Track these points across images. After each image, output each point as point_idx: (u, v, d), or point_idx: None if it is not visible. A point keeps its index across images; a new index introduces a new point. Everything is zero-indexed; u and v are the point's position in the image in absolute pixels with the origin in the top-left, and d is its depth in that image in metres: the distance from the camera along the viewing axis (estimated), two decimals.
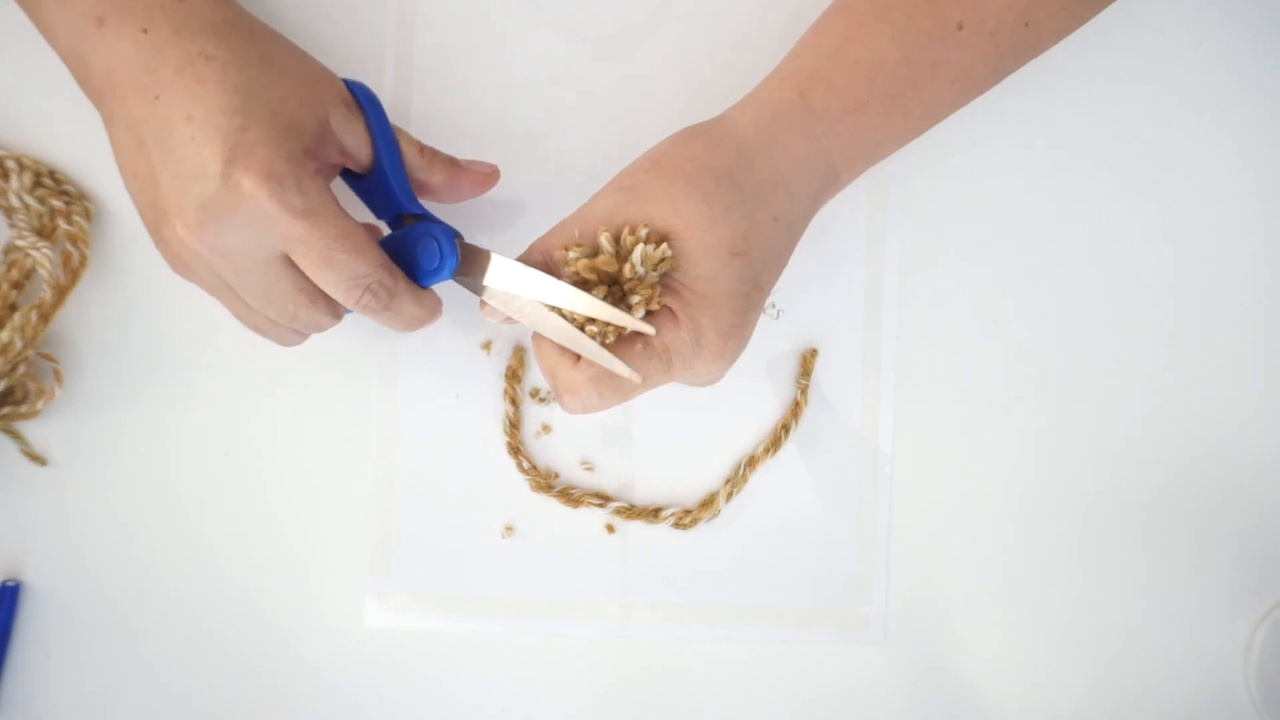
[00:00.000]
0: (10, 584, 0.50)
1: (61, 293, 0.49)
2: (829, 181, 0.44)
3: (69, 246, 0.49)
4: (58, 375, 0.50)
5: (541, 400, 0.51)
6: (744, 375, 0.50)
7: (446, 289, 0.45)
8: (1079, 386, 0.51)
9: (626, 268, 0.40)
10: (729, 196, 0.41)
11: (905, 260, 0.51)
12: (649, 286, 0.40)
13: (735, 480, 0.50)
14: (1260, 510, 0.51)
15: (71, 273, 0.49)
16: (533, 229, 0.50)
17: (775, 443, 0.50)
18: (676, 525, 0.50)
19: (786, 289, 0.50)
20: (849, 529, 0.51)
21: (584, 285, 0.41)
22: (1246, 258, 0.51)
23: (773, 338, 0.51)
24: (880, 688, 0.51)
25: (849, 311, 0.51)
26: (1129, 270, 0.51)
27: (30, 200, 0.49)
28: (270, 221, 0.39)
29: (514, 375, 0.50)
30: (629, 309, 0.40)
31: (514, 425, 0.50)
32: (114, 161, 0.41)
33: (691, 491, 0.51)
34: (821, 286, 0.51)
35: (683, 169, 0.41)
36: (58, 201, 0.49)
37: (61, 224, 0.49)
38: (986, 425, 0.51)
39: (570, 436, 0.51)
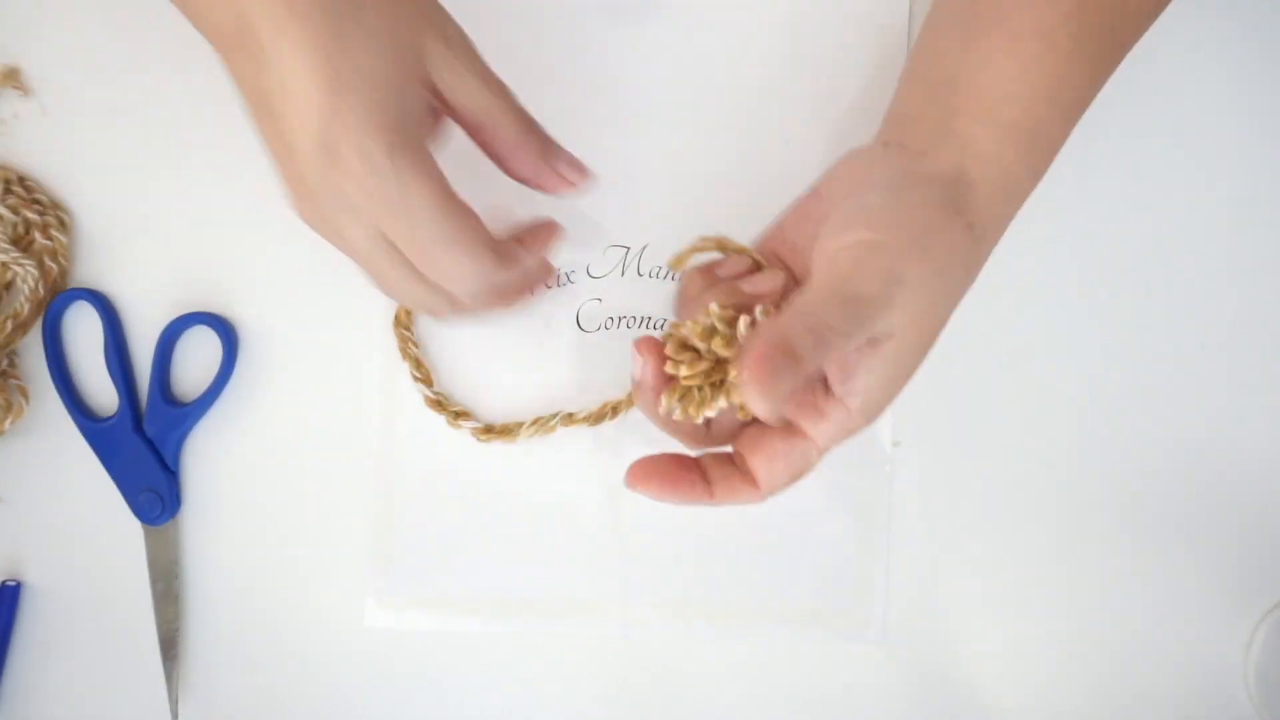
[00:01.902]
0: (10, 584, 0.50)
1: (39, 306, 0.49)
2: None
3: (49, 261, 0.49)
4: (23, 392, 0.49)
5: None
6: None
7: None
8: (1080, 387, 0.51)
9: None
10: (958, 292, 0.40)
11: None
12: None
13: (542, 424, 0.49)
14: (1260, 510, 0.51)
15: (50, 286, 0.49)
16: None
17: (602, 415, 0.49)
18: (474, 434, 0.49)
19: None
20: (849, 529, 0.51)
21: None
22: (1246, 258, 0.51)
23: None
24: (880, 688, 0.51)
25: None
26: (1129, 270, 0.51)
27: (2, 210, 0.48)
28: (366, 209, 0.37)
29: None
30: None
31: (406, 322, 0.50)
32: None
33: None
34: None
35: (942, 261, 0.39)
36: (31, 213, 0.49)
37: (38, 237, 0.49)
38: (987, 425, 0.51)
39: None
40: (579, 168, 0.42)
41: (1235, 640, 0.51)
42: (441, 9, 0.39)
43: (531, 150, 0.40)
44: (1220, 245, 0.51)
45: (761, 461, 0.39)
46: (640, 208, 0.50)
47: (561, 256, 0.50)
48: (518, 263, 0.41)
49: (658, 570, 0.51)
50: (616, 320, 0.50)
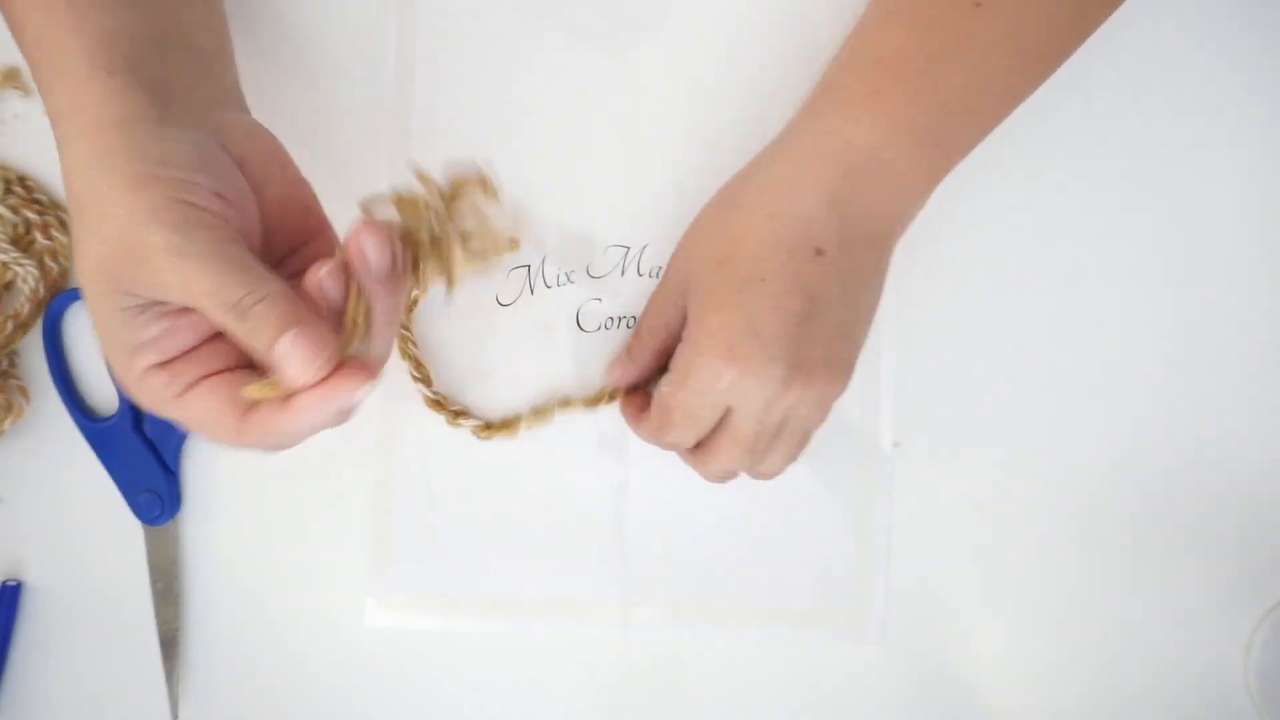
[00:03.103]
0: (10, 584, 0.50)
1: (40, 306, 0.49)
2: (865, 161, 0.42)
3: (49, 261, 0.49)
4: (23, 392, 0.49)
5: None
6: None
7: None
8: (1080, 386, 0.51)
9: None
10: (716, 217, 0.45)
11: (904, 258, 0.51)
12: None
13: (541, 413, 0.50)
14: (1260, 510, 0.51)
15: (50, 286, 0.49)
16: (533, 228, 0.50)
17: (599, 398, 0.50)
18: (474, 432, 0.50)
19: None
20: (849, 529, 0.51)
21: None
22: (1245, 258, 0.51)
23: None
24: (880, 688, 0.51)
25: None
26: (1129, 270, 0.51)
27: (2, 210, 0.48)
28: None
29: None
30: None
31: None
32: None
33: (686, 495, 0.51)
34: None
35: (693, 222, 0.46)
36: (31, 213, 0.49)
37: (39, 237, 0.49)
38: (986, 425, 0.51)
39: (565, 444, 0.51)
40: (303, 362, 0.35)
41: (1235, 640, 0.51)
42: (144, 234, 0.35)
43: (253, 350, 0.36)
44: (1221, 248, 0.51)
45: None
46: (640, 208, 0.50)
47: (562, 256, 0.50)
48: (264, 439, 0.37)
49: (658, 570, 0.51)
50: (616, 320, 0.50)
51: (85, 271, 0.36)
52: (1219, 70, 0.51)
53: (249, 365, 0.38)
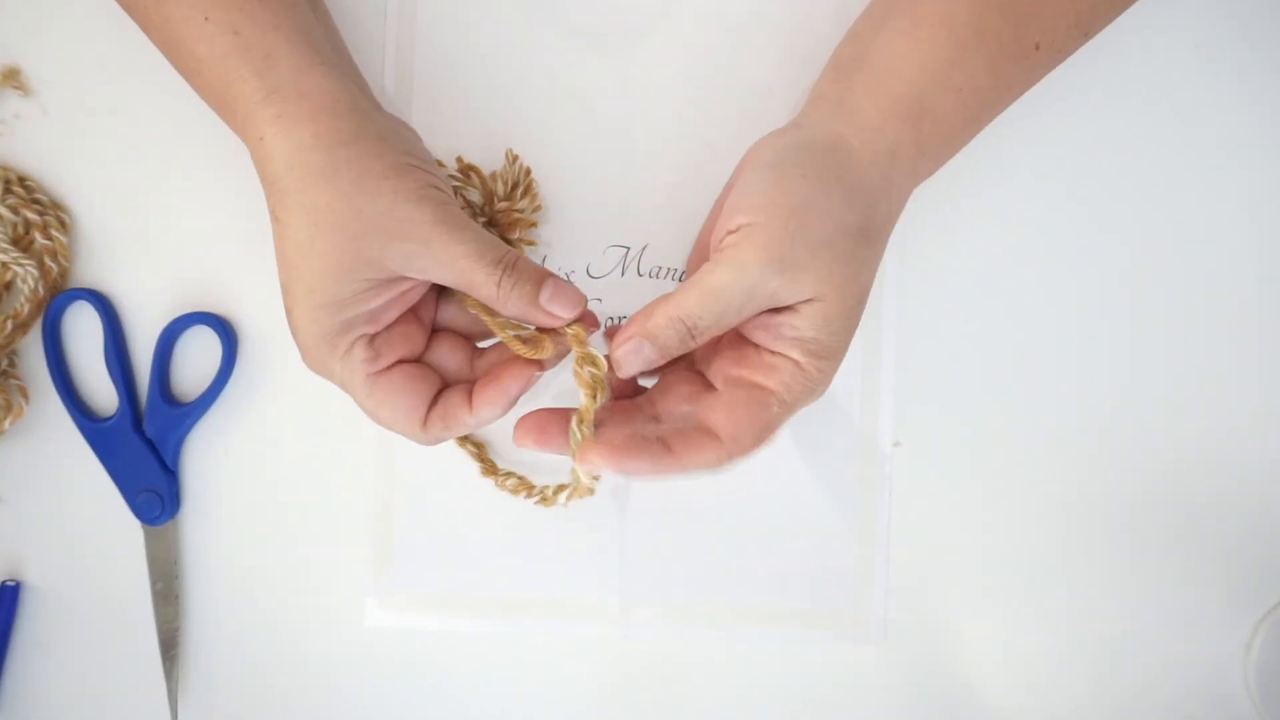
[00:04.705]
0: (10, 584, 0.50)
1: (39, 306, 0.49)
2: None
3: (49, 261, 0.49)
4: (23, 392, 0.49)
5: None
6: None
7: None
8: (1080, 388, 0.51)
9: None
10: (863, 253, 0.40)
11: (905, 259, 0.51)
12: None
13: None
14: (1259, 511, 0.51)
15: (50, 286, 0.49)
16: (535, 228, 0.50)
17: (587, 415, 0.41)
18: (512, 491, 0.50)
19: None
20: (849, 529, 0.51)
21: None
22: (1245, 259, 0.51)
23: None
24: (880, 687, 0.51)
25: None
26: (1128, 272, 0.51)
27: (2, 210, 0.48)
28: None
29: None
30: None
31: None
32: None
33: (686, 495, 0.51)
34: None
35: (825, 232, 0.39)
36: (31, 213, 0.49)
37: (39, 237, 0.49)
38: (986, 425, 0.51)
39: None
40: (568, 302, 0.41)
41: (1235, 640, 0.51)
42: (411, 212, 0.39)
43: (511, 305, 0.41)
44: (1221, 250, 0.51)
45: (721, 415, 0.40)
46: (640, 208, 0.50)
47: (562, 256, 0.50)
48: (447, 431, 0.42)
49: (658, 570, 0.51)
50: (616, 320, 0.50)
51: (334, 236, 0.39)
52: (1220, 72, 0.51)
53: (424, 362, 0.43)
